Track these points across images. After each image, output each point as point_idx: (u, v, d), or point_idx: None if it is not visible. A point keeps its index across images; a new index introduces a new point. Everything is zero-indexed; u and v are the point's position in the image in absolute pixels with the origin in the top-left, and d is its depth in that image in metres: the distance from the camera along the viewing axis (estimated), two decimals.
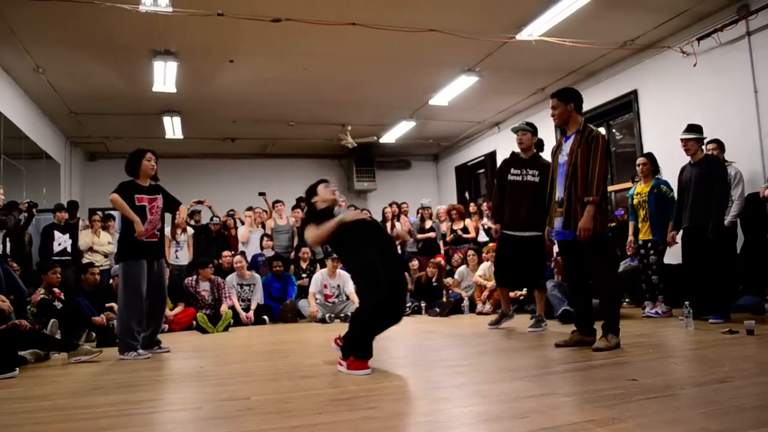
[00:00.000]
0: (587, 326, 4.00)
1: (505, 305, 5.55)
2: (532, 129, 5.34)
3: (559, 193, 3.96)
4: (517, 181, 5.17)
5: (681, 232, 5.43)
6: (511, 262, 5.24)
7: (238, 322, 6.84)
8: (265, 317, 7.18)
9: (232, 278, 7.33)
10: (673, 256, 5.78)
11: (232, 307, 6.92)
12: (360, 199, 12.72)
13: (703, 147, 5.40)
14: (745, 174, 5.97)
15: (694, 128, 5.35)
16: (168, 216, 5.22)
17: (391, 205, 9.42)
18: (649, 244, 5.72)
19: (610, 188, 7.68)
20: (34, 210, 6.55)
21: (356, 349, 3.31)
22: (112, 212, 9.30)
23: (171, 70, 7.24)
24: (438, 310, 7.28)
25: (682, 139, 5.37)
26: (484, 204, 9.13)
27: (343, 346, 3.40)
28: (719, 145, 5.73)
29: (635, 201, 5.87)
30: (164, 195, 4.79)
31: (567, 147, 3.96)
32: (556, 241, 4.17)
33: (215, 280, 7.06)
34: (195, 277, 7.06)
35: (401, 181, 13.25)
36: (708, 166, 5.19)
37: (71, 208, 8.25)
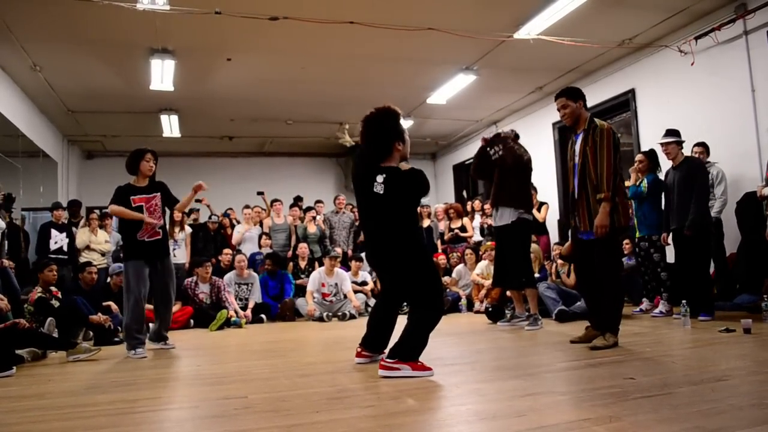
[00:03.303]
0: (601, 323, 3.99)
1: (519, 307, 5.56)
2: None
3: (576, 194, 3.96)
4: None
5: (671, 233, 5.46)
6: (498, 257, 5.42)
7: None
8: (263, 316, 7.18)
9: (230, 277, 7.32)
10: (672, 255, 5.79)
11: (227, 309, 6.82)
12: None
13: (683, 150, 5.46)
14: (741, 172, 6.00)
15: (672, 132, 5.44)
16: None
17: None
18: (647, 243, 5.73)
19: None
20: (11, 203, 6.61)
21: (419, 352, 3.21)
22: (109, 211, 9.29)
23: (168, 68, 7.24)
24: None
25: (661, 144, 5.45)
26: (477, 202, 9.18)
27: (401, 351, 3.16)
28: (705, 148, 5.78)
29: None
30: (164, 192, 4.76)
31: (577, 147, 3.93)
32: (578, 238, 4.10)
33: (215, 283, 6.99)
34: (194, 278, 7.02)
35: None
36: (689, 168, 5.28)
37: (72, 206, 8.29)
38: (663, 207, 5.64)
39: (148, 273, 4.59)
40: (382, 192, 3.31)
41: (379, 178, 3.33)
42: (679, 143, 5.40)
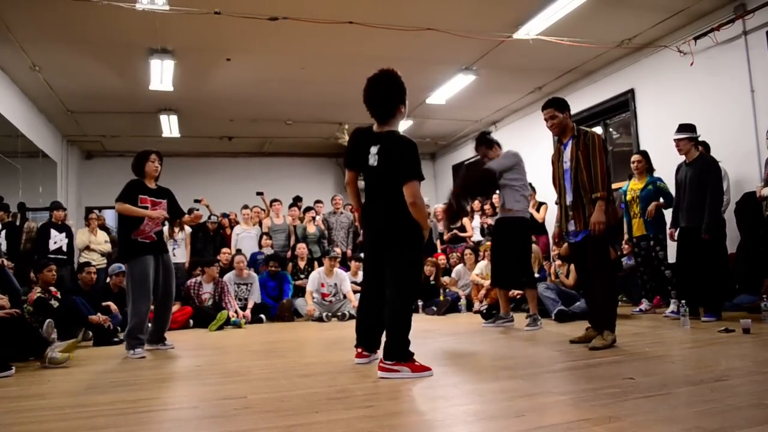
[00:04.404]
0: None
1: (504, 308, 5.54)
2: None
3: (569, 198, 4.05)
4: None
5: (678, 230, 5.44)
6: (496, 255, 5.35)
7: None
8: (262, 316, 7.18)
9: (230, 277, 7.32)
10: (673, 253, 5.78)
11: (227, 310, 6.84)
12: None
13: (696, 146, 5.41)
14: (740, 173, 6.00)
15: (686, 128, 5.32)
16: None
17: None
18: (652, 242, 5.72)
19: None
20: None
21: (408, 345, 3.17)
22: (107, 212, 9.30)
23: (168, 68, 7.24)
24: (435, 308, 7.28)
25: (674, 140, 5.38)
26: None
27: (393, 351, 3.11)
28: (705, 147, 5.75)
29: (629, 197, 5.88)
30: (170, 201, 4.77)
31: (567, 153, 4.05)
32: (568, 242, 4.25)
33: (219, 283, 7.01)
34: (198, 278, 7.02)
35: None
36: (702, 166, 5.18)
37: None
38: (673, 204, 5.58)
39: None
40: (376, 164, 3.24)
41: (373, 150, 3.26)
42: (693, 139, 5.28)
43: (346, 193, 3.80)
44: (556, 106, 4.07)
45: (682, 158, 5.44)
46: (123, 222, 4.57)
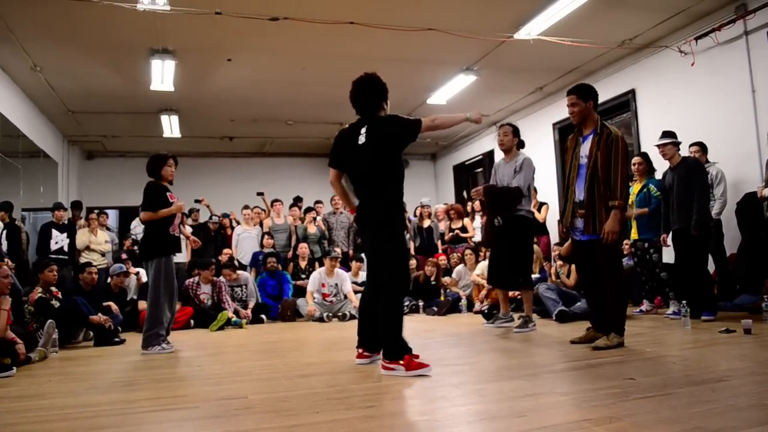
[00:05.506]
0: (602, 323, 3.99)
1: (504, 308, 5.53)
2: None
3: (579, 195, 3.92)
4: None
5: (671, 234, 5.45)
6: (494, 256, 5.29)
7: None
8: (263, 316, 7.18)
9: (222, 281, 7.29)
10: (669, 256, 5.78)
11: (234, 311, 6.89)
12: None
13: (680, 151, 5.46)
14: (741, 173, 6.00)
15: (668, 134, 5.42)
16: None
17: None
18: (646, 244, 5.74)
19: None
20: None
21: (404, 344, 3.24)
22: (108, 211, 9.30)
23: (169, 68, 7.24)
24: (436, 309, 7.28)
25: (657, 146, 5.45)
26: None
27: (390, 347, 3.21)
28: (701, 147, 5.78)
29: (630, 201, 5.88)
30: None
31: (585, 148, 3.89)
32: (572, 238, 4.15)
33: (217, 283, 7.01)
34: (196, 278, 7.02)
35: None
36: (686, 169, 5.27)
37: (73, 208, 8.30)
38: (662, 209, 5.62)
39: None
40: (364, 140, 3.43)
41: (363, 130, 3.47)
42: (676, 144, 5.39)
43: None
44: (579, 94, 3.89)
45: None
46: (160, 220, 4.63)
